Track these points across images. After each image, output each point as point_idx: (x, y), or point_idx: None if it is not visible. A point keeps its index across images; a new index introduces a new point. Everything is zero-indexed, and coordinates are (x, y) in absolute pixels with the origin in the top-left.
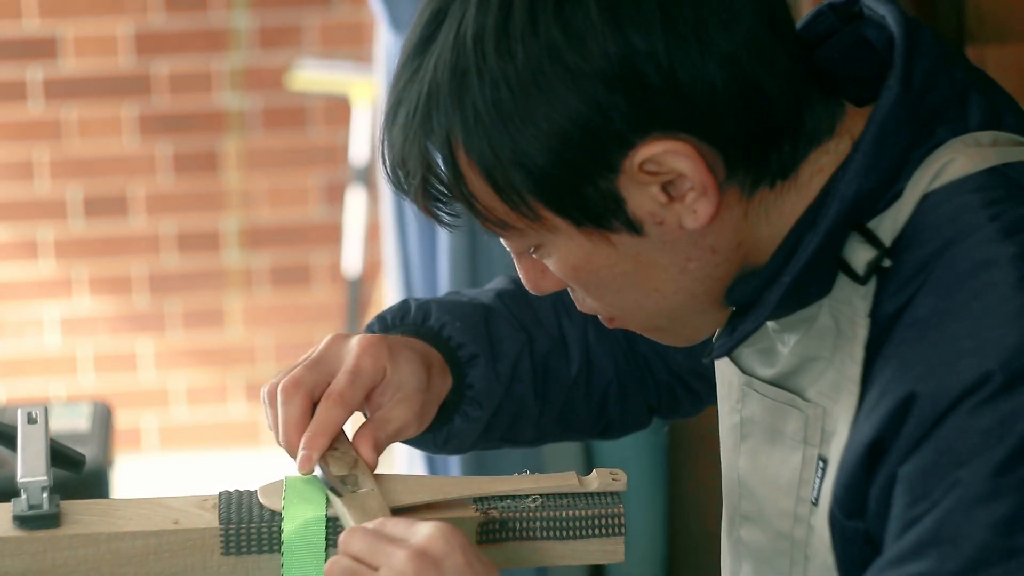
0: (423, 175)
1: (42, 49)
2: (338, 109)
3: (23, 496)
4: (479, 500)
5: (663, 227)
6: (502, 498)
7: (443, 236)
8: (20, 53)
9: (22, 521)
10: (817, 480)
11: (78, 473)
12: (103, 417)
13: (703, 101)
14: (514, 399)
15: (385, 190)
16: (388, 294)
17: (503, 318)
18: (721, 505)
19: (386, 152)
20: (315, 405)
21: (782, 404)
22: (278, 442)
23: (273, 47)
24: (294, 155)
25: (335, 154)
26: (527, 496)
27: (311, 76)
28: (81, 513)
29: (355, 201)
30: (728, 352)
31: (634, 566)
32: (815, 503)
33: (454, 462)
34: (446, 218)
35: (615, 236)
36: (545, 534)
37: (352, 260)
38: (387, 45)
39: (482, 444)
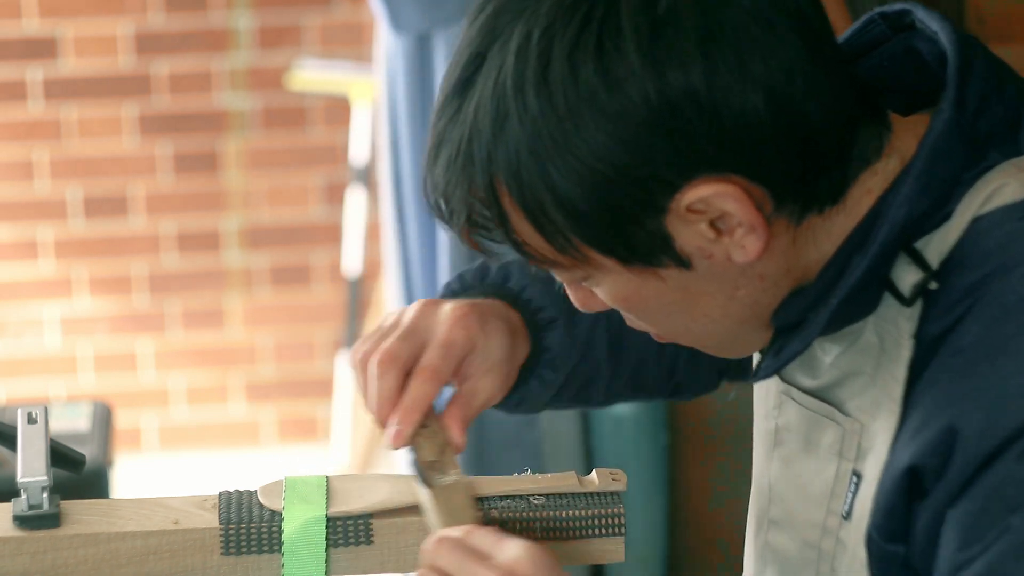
0: (468, 215)
1: (42, 49)
2: (338, 109)
3: (23, 496)
4: (479, 500)
5: (712, 260)
6: (502, 498)
7: (443, 236)
8: (20, 53)
9: (22, 521)
10: (850, 495)
11: (78, 473)
12: (103, 417)
13: (748, 138)
14: (589, 363)
15: (385, 190)
16: (388, 294)
17: None
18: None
19: (429, 190)
20: (407, 375)
21: (820, 416)
22: (368, 409)
23: (273, 47)
24: (294, 155)
25: (335, 154)
26: (527, 496)
27: (311, 76)
28: (81, 513)
29: (355, 201)
30: (774, 373)
31: (634, 566)
32: (846, 517)
33: None
34: (494, 247)
35: (663, 271)
36: (545, 534)
37: (352, 260)
38: (387, 45)
39: (553, 405)
